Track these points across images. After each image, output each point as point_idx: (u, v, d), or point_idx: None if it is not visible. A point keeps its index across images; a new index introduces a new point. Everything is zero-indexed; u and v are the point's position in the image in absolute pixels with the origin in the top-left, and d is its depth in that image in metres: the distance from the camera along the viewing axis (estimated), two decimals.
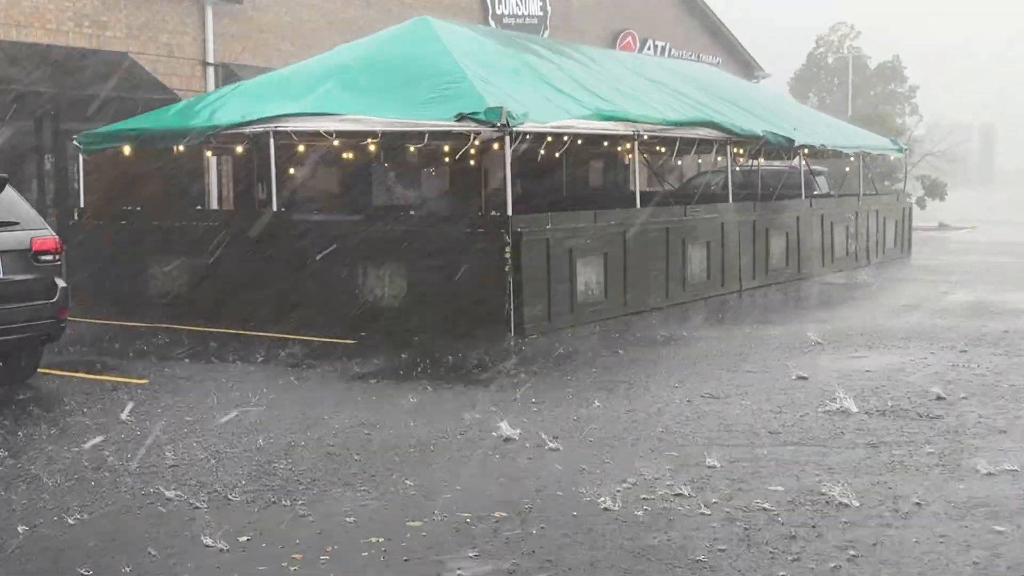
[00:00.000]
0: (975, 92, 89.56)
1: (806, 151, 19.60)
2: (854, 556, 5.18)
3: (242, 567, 5.16)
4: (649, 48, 30.65)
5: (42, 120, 16.22)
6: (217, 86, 18.13)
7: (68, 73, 15.98)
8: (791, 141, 17.92)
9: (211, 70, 18.62)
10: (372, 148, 15.68)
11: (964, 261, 22.82)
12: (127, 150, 14.62)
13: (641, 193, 15.64)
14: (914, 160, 35.43)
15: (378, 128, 12.96)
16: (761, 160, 20.13)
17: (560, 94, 14.64)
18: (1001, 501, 6.03)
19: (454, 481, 6.53)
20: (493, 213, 13.61)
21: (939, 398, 8.71)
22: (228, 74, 18.54)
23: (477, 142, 12.77)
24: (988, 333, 12.24)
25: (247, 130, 13.55)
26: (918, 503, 6.00)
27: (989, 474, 6.55)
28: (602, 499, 6.06)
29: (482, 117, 12.00)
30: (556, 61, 16.96)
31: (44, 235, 9.45)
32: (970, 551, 5.25)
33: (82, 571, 5.12)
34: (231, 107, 14.30)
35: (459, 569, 5.08)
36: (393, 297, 12.70)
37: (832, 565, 5.07)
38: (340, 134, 13.59)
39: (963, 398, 8.77)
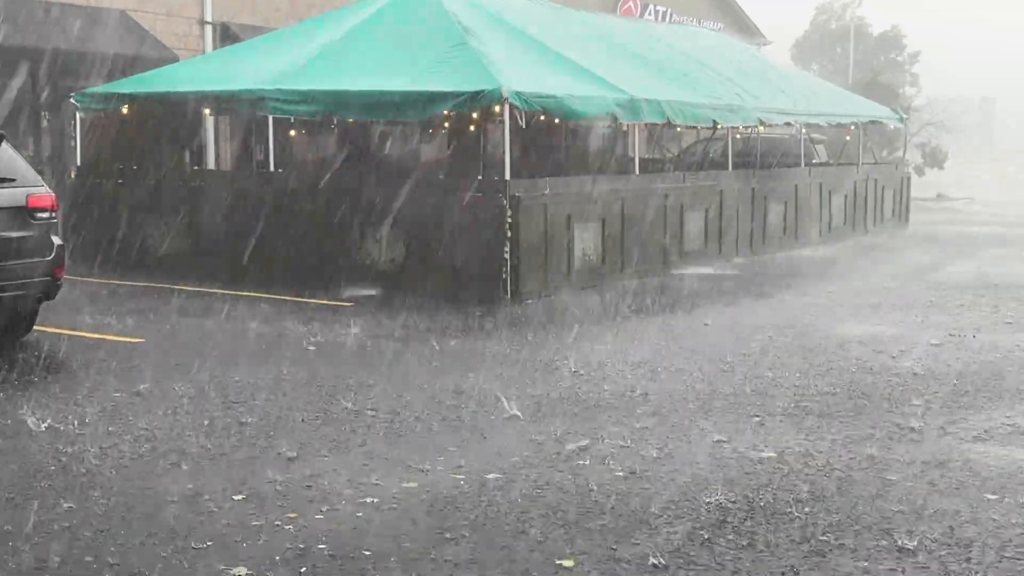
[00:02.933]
0: (977, 65, 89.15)
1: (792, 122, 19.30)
2: None
3: None
4: (650, 13, 30.47)
5: (39, 77, 16.13)
6: (215, 46, 18.04)
7: (66, 31, 15.87)
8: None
9: (209, 29, 18.49)
10: None
11: (960, 231, 22.83)
12: (124, 110, 14.56)
13: (640, 160, 15.57)
14: (913, 129, 35.32)
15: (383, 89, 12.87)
16: (761, 128, 20.03)
17: (562, 61, 14.58)
18: None
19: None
20: (494, 178, 13.57)
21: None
22: (226, 33, 18.42)
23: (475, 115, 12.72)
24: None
25: (245, 98, 13.48)
26: None
27: None
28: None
29: (484, 103, 11.95)
30: (557, 28, 16.86)
31: (40, 192, 9.41)
32: None
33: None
34: (229, 70, 14.22)
35: None
36: (390, 260, 12.69)
37: None
38: None
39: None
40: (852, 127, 21.72)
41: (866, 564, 4.72)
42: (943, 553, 4.85)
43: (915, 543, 4.93)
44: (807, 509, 5.40)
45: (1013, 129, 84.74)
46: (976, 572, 4.66)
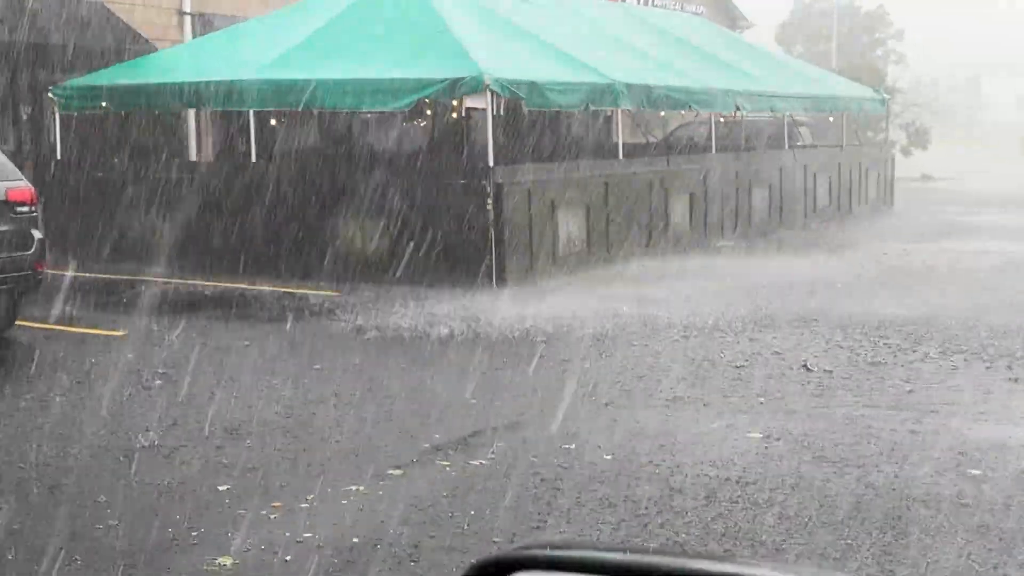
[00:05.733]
0: (962, 45, 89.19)
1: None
2: None
3: None
4: None
5: (17, 70, 15.99)
6: (194, 36, 17.90)
7: (44, 22, 15.72)
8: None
9: (188, 19, 18.35)
10: None
11: (943, 212, 22.89)
12: (103, 103, 14.44)
13: (624, 144, 15.56)
14: (898, 110, 35.34)
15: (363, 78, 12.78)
16: (744, 111, 20.01)
17: (544, 47, 14.52)
18: None
19: None
20: (477, 164, 13.52)
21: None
22: (205, 24, 18.28)
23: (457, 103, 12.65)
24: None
25: (223, 90, 13.36)
26: None
27: None
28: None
29: (466, 90, 11.86)
30: (537, 13, 16.80)
31: (20, 186, 9.33)
32: None
33: None
34: (208, 60, 14.12)
35: None
36: (375, 248, 12.63)
37: None
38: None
39: None
40: (834, 109, 21.70)
41: None
42: None
43: None
44: None
45: (1003, 112, 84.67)
46: None
